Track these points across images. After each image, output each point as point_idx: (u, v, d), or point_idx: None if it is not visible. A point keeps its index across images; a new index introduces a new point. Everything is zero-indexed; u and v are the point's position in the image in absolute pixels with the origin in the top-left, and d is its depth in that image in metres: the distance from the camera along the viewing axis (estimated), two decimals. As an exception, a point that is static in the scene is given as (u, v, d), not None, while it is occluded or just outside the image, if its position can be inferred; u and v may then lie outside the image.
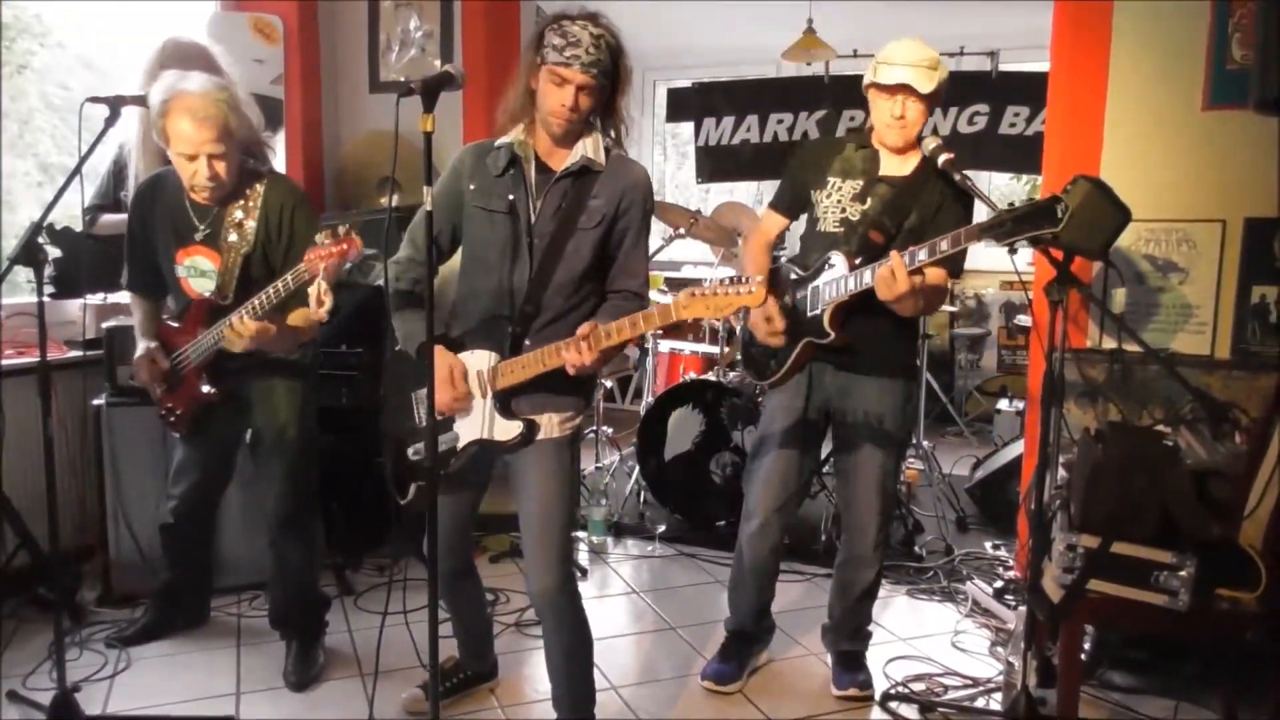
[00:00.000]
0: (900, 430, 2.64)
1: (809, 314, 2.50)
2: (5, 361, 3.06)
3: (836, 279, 2.44)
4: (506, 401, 2.14)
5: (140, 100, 2.50)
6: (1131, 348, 3.06)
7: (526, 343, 2.11)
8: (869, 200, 2.53)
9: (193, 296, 2.60)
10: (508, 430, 2.13)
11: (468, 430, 2.18)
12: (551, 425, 2.17)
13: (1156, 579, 2.17)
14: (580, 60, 1.98)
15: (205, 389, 2.60)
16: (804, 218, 2.73)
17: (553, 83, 2.02)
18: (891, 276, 2.25)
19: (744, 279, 1.83)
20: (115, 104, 2.40)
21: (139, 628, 3.00)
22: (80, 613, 3.09)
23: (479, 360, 2.15)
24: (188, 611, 3.09)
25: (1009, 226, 2.13)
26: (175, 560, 3.00)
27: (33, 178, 4.00)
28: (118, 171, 3.34)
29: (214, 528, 3.10)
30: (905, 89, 2.42)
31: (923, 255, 2.25)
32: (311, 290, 2.24)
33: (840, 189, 2.57)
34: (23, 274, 2.40)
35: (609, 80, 2.06)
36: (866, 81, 2.54)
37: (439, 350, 2.12)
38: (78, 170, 2.29)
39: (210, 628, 3.11)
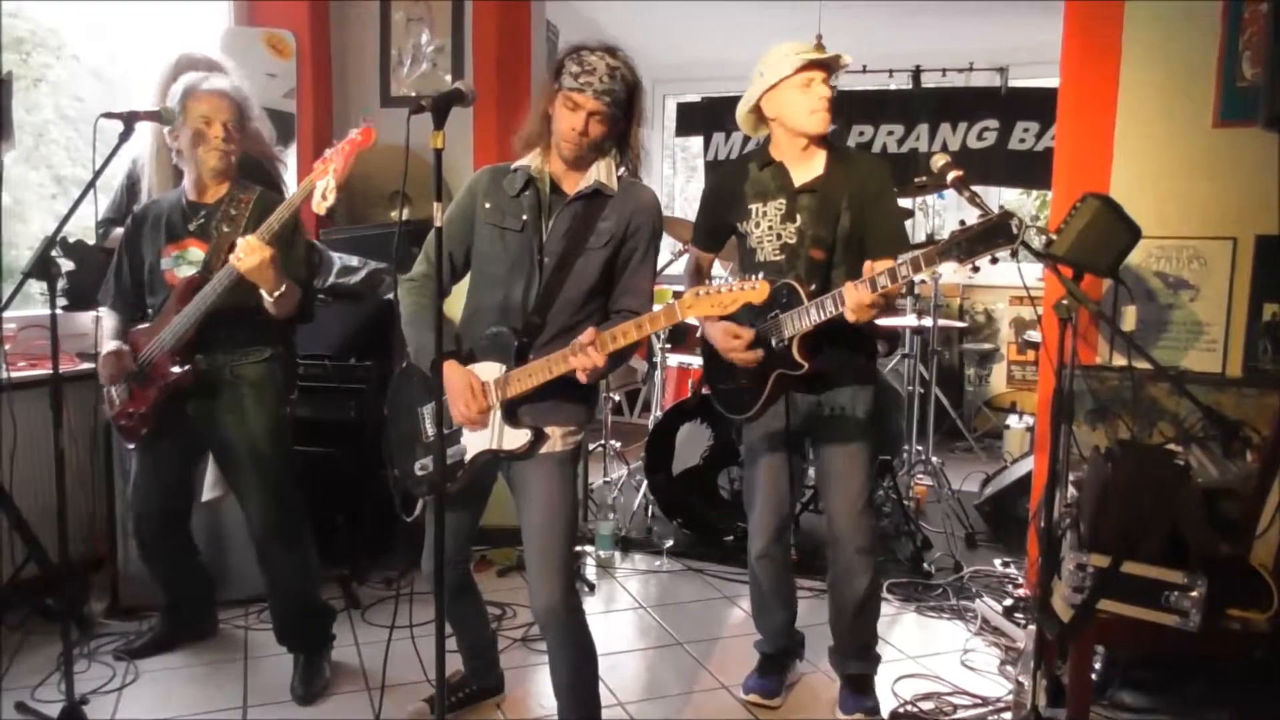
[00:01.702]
0: (871, 434, 2.62)
1: (775, 346, 2.47)
2: (17, 373, 3.08)
3: (798, 311, 2.41)
4: (513, 411, 2.16)
5: (155, 115, 2.54)
6: (1142, 365, 3.04)
7: (531, 357, 2.15)
8: (798, 217, 2.51)
9: (174, 284, 2.63)
10: (516, 439, 2.15)
11: (476, 442, 2.20)
12: (554, 439, 2.19)
13: (1167, 599, 2.15)
14: (593, 87, 2.05)
15: (176, 369, 2.59)
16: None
17: (566, 107, 2.09)
18: (864, 306, 2.25)
19: (746, 276, 1.85)
20: (129, 119, 2.42)
21: (147, 640, 3.00)
22: (88, 624, 3.10)
23: (487, 372, 2.18)
24: (194, 624, 3.09)
25: (965, 246, 2.12)
26: (166, 579, 2.99)
27: (47, 189, 4.03)
28: (131, 186, 3.36)
29: (191, 542, 3.01)
30: (815, 66, 2.43)
31: (884, 281, 2.23)
32: (320, 184, 2.34)
33: (766, 214, 2.55)
34: (36, 286, 2.42)
35: (622, 111, 2.12)
36: (768, 84, 2.47)
37: (453, 364, 2.17)
38: (91, 184, 2.31)
39: (218, 640, 3.12)
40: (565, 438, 2.21)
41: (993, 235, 2.08)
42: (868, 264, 2.28)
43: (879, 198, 2.51)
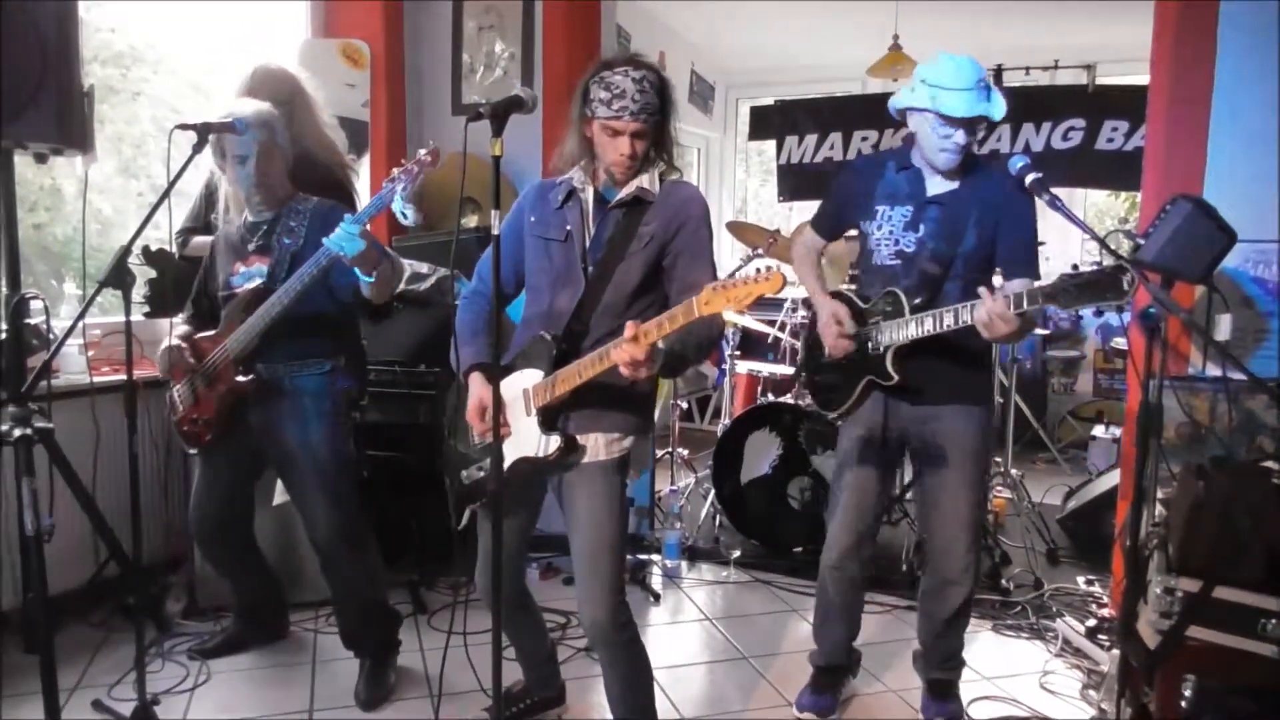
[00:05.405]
0: (983, 453, 2.55)
1: (871, 352, 2.42)
2: (100, 378, 3.18)
3: (898, 323, 2.36)
4: (550, 419, 2.14)
5: (227, 127, 2.58)
6: (1238, 377, 2.88)
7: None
8: (921, 227, 2.44)
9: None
10: (547, 445, 2.12)
11: (512, 449, 2.18)
12: (598, 447, 2.15)
13: (1264, 627, 2.02)
14: (629, 110, 2.04)
15: (240, 378, 2.65)
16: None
17: (607, 135, 2.09)
18: (999, 321, 2.12)
19: (764, 268, 1.80)
20: (203, 130, 2.47)
21: (220, 640, 3.07)
22: (165, 624, 3.19)
23: (525, 379, 2.16)
24: (266, 626, 3.15)
25: (1072, 294, 2.01)
26: (232, 581, 3.05)
27: (146, 198, 4.18)
28: (209, 195, 3.45)
29: (252, 547, 3.04)
30: (950, 121, 2.32)
31: (1025, 304, 2.11)
32: (395, 207, 2.36)
33: (890, 218, 2.49)
34: (123, 291, 2.49)
35: (660, 115, 2.10)
36: (908, 104, 2.41)
37: (476, 377, 2.18)
38: (166, 195, 2.36)
39: (289, 643, 3.17)
40: (610, 445, 2.17)
41: (1101, 289, 1.96)
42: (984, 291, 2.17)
43: (1017, 219, 2.39)
